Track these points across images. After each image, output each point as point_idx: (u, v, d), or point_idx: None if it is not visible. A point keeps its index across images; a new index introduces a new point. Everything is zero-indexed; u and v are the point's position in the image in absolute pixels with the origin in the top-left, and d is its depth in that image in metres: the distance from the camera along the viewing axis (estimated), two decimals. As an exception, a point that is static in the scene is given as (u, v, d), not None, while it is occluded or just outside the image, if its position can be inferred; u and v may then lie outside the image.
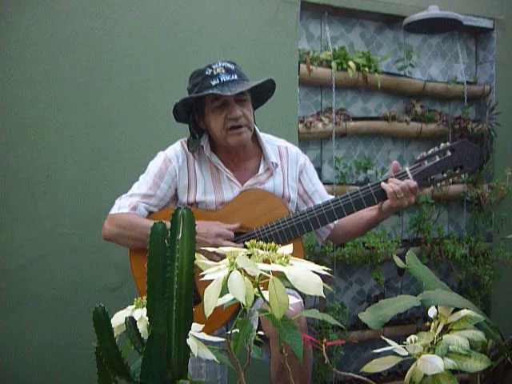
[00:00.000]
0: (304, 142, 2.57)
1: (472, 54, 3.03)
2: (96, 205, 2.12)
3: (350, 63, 2.58)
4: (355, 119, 2.69)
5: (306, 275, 0.77)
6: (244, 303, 0.77)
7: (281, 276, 0.77)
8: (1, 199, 2.11)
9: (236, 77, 1.65)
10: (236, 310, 0.81)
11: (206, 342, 0.98)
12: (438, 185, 1.69)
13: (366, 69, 2.62)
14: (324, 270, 0.84)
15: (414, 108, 2.82)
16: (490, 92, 2.95)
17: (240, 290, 0.74)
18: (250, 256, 0.80)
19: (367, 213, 1.73)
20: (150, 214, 1.73)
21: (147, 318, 0.90)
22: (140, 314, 1.00)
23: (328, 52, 2.60)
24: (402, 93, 2.82)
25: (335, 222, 1.76)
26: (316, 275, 0.78)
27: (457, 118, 2.89)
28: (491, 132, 2.88)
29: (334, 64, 2.56)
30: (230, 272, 0.78)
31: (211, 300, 0.77)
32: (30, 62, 2.13)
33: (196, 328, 0.97)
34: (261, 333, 1.02)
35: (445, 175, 1.67)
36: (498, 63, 2.93)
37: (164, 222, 0.89)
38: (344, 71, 2.59)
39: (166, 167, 1.73)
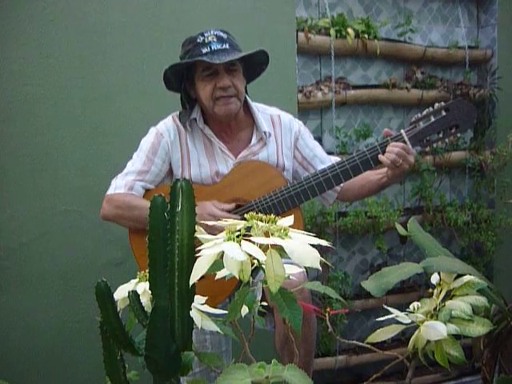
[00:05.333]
0: (304, 112, 2.55)
1: (473, 17, 2.97)
2: (96, 181, 2.12)
3: (349, 30, 2.53)
4: (355, 87, 2.65)
5: (303, 248, 0.77)
6: (239, 277, 0.77)
7: (279, 249, 0.77)
8: (1, 177, 2.10)
9: (227, 46, 1.62)
10: (240, 283, 0.81)
11: (209, 315, 0.99)
12: (435, 145, 1.67)
13: (366, 35, 2.57)
14: (324, 242, 0.84)
15: (415, 75, 2.78)
16: (491, 56, 2.90)
17: (234, 265, 0.74)
18: (249, 228, 0.80)
19: (374, 176, 1.73)
20: (147, 192, 1.72)
21: (150, 292, 0.90)
22: (143, 287, 1.00)
23: (326, 19, 2.54)
24: (403, 59, 2.77)
25: (341, 184, 1.75)
26: (313, 248, 0.78)
27: (458, 83, 2.85)
28: (493, 97, 2.84)
29: (332, 31, 2.51)
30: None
31: (199, 270, 0.77)
32: (22, 38, 2.09)
33: (199, 300, 0.98)
34: (265, 303, 1.02)
35: (441, 135, 1.65)
36: (499, 26, 2.86)
37: (163, 195, 0.88)
38: (343, 39, 2.54)
39: (159, 142, 1.72)
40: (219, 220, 1.52)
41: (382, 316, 1.04)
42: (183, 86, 1.72)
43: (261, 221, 0.82)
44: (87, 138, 2.19)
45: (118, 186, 1.70)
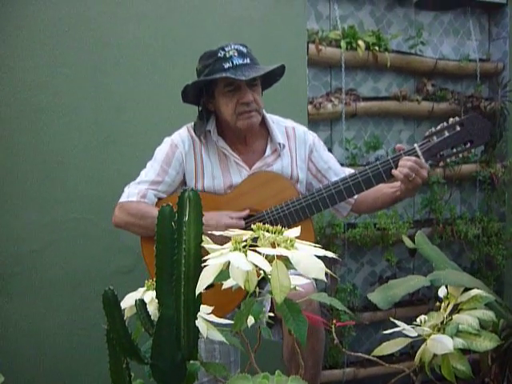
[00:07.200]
0: (314, 123, 2.55)
1: (485, 30, 2.96)
2: (106, 189, 2.13)
3: (360, 42, 2.54)
4: (365, 99, 2.66)
5: (309, 259, 0.77)
6: (244, 288, 0.77)
7: (285, 259, 0.77)
8: (13, 185, 2.12)
9: (248, 60, 1.64)
10: (248, 293, 0.81)
11: (216, 325, 0.99)
12: (448, 160, 1.67)
13: (376, 48, 2.58)
14: (330, 254, 0.84)
15: (426, 87, 2.77)
16: (503, 69, 2.89)
17: (240, 275, 0.75)
18: (256, 239, 0.80)
19: (388, 189, 1.72)
20: (159, 201, 1.73)
21: (157, 301, 0.91)
22: (151, 295, 1.01)
23: (337, 31, 2.56)
24: (413, 72, 2.77)
25: (354, 197, 1.75)
26: (318, 259, 0.78)
27: (469, 96, 2.84)
28: (504, 110, 2.83)
29: (343, 43, 2.52)
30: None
31: (205, 280, 0.78)
32: (37, 48, 2.12)
33: (205, 310, 0.98)
34: (273, 314, 1.02)
35: (454, 150, 1.65)
36: (511, 40, 2.86)
37: (171, 204, 0.89)
38: (353, 51, 2.55)
39: (173, 153, 1.73)
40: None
41: (391, 329, 1.04)
42: (203, 100, 1.73)
43: (267, 231, 0.82)
44: (98, 147, 2.21)
45: (131, 193, 1.71)
